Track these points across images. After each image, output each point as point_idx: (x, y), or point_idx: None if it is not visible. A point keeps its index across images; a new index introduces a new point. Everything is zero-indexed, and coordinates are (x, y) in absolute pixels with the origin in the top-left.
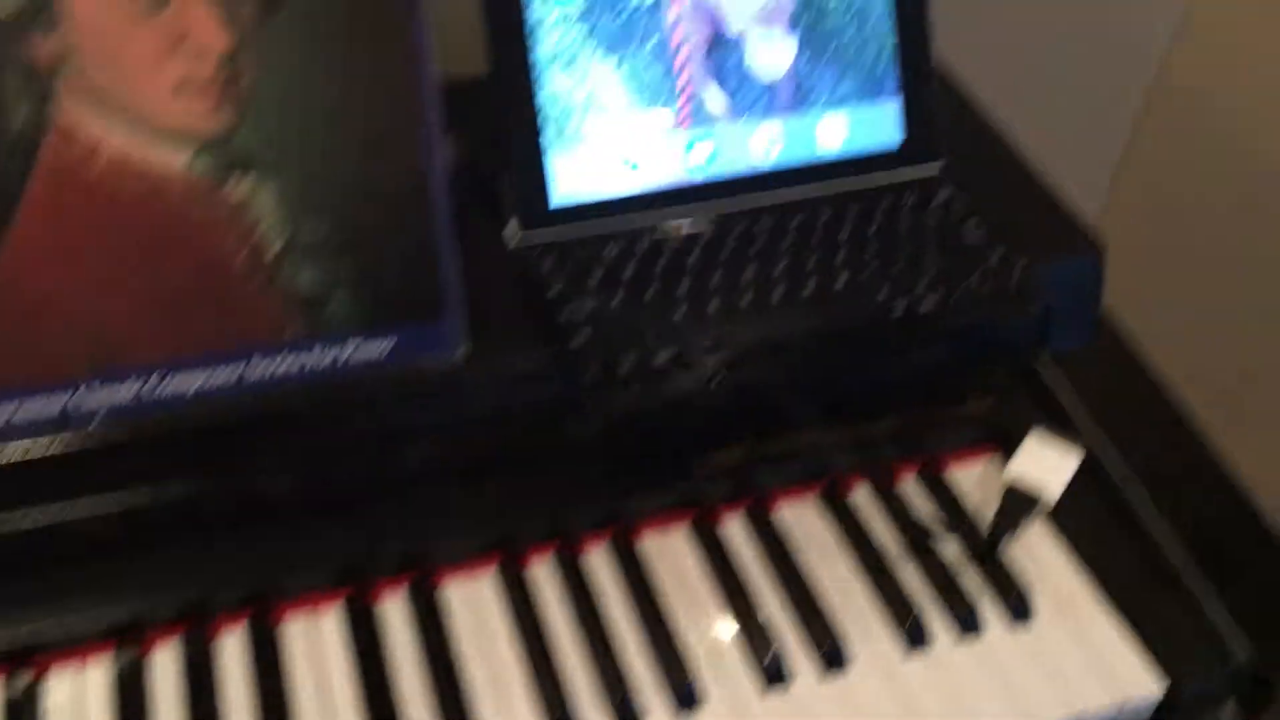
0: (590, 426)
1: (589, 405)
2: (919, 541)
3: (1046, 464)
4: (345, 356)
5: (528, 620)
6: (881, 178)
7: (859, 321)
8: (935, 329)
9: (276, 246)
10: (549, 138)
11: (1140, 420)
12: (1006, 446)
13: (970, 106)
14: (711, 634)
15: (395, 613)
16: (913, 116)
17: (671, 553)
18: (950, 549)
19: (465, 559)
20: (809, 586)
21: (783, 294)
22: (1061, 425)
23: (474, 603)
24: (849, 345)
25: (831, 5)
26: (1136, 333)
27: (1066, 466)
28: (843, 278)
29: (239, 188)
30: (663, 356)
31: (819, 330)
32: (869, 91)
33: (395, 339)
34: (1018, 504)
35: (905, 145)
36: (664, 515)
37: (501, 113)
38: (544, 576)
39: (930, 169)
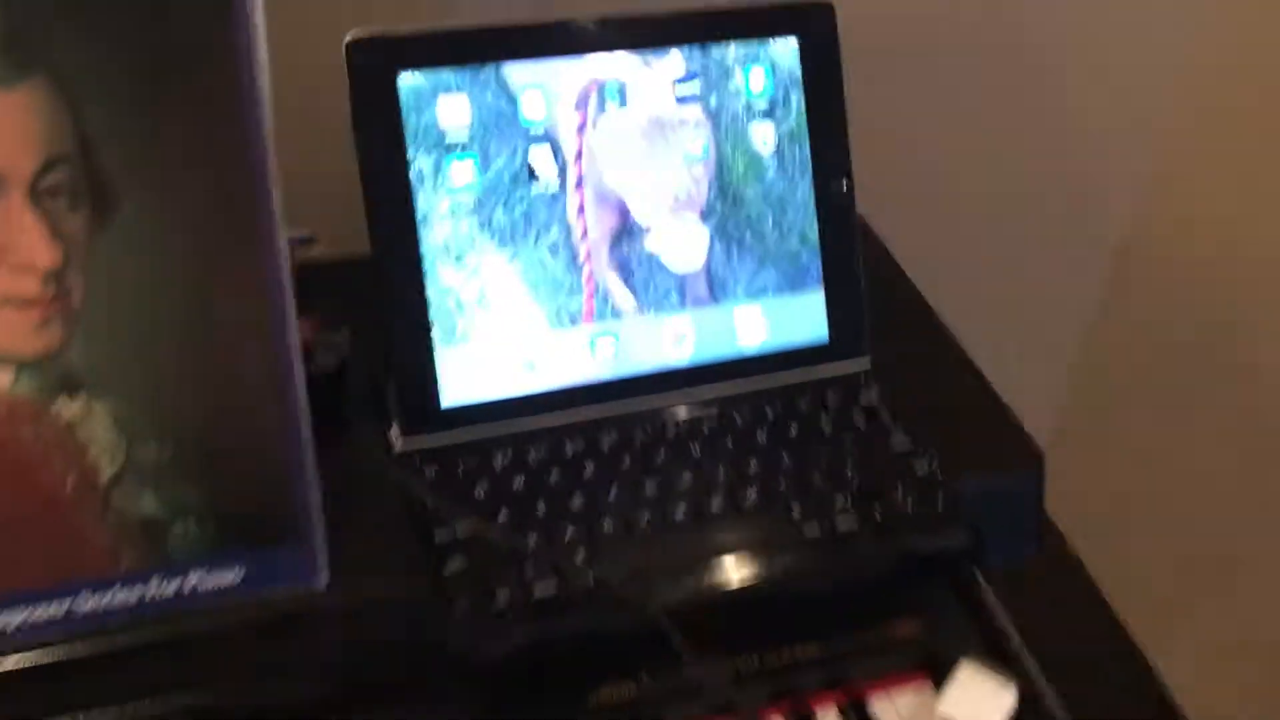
0: (461, 665)
1: (458, 642)
2: None
3: (979, 701)
4: (190, 587)
5: None
6: (803, 374)
7: (769, 543)
8: (854, 550)
9: (110, 471)
10: (437, 335)
11: (1084, 646)
12: (937, 674)
13: (908, 294)
14: None
15: None
16: (838, 309)
17: None
18: None
19: None
20: None
21: (686, 511)
22: (998, 651)
23: None
24: (758, 568)
25: (749, 193)
26: (1087, 537)
27: (1001, 706)
28: (752, 492)
29: (68, 409)
30: (543, 589)
31: (724, 552)
32: (790, 283)
33: (245, 567)
34: None
35: (830, 340)
36: None
37: (385, 308)
38: None
39: (857, 365)
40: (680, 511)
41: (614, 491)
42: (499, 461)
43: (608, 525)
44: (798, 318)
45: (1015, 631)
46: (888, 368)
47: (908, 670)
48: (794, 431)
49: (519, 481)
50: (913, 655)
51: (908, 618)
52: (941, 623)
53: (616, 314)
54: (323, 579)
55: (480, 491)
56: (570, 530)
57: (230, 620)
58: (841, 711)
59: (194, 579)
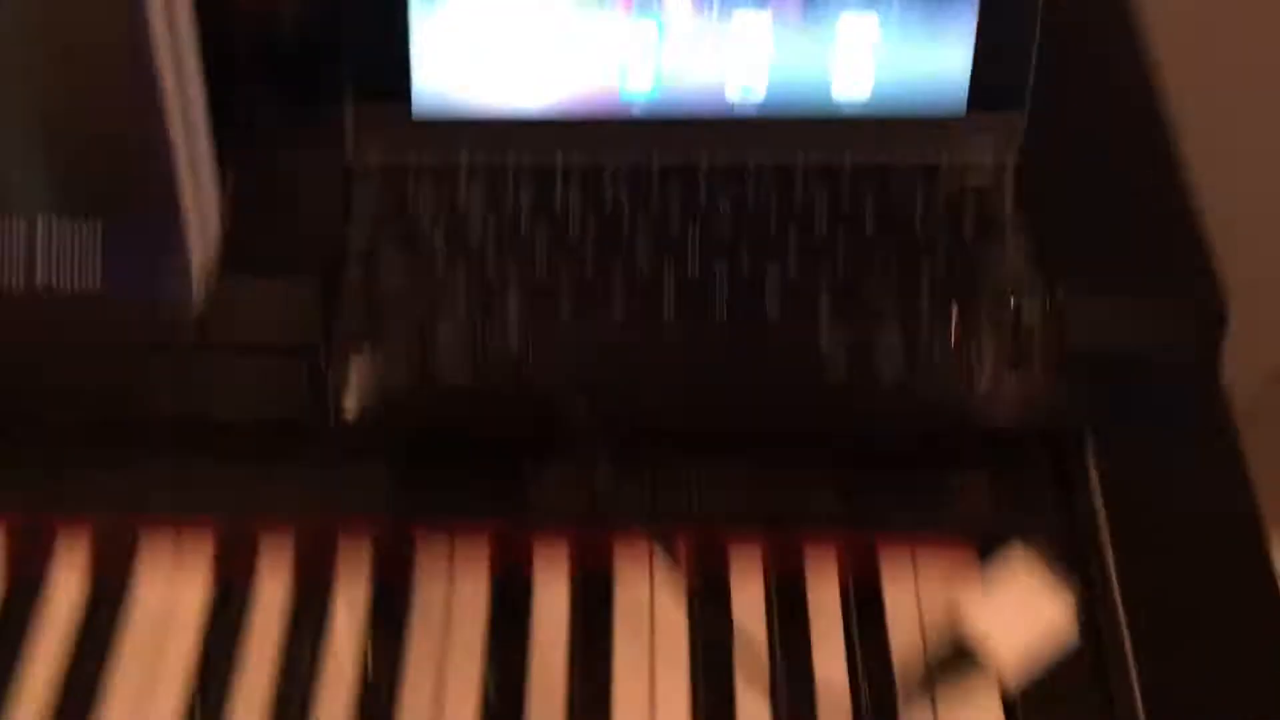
0: (341, 432)
1: (338, 404)
2: None
3: (1014, 609)
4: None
5: None
6: (920, 144)
7: (773, 375)
8: (934, 381)
9: None
10: (413, 16)
11: (1204, 570)
12: (987, 554)
13: (1125, 55)
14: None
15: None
16: (989, 59)
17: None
18: None
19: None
20: None
21: (675, 309)
22: (1074, 552)
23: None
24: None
25: None
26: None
27: (1041, 622)
28: (775, 303)
29: None
30: (452, 339)
31: (708, 372)
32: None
33: (104, 259)
34: (952, 656)
35: (970, 102)
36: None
37: None
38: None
39: (1000, 146)
40: (669, 310)
41: (590, 254)
42: (465, 192)
43: (566, 307)
44: (922, 62)
45: (1110, 532)
46: (1043, 155)
47: (949, 536)
48: (888, 219)
49: (485, 220)
50: (964, 521)
51: (972, 470)
52: (1019, 491)
53: (660, 7)
54: (194, 293)
55: (429, 227)
56: (517, 289)
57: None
58: (841, 562)
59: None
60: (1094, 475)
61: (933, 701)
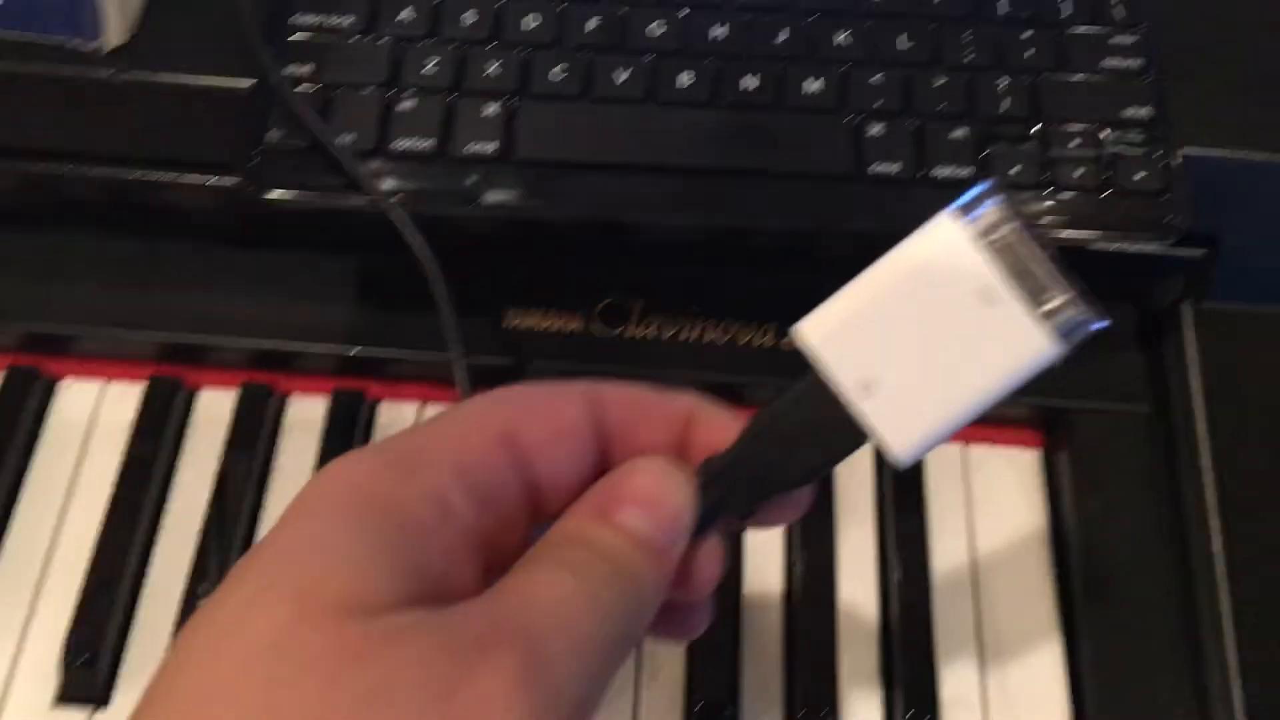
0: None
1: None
2: None
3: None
4: None
5: None
6: None
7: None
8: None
9: None
10: None
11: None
12: (1052, 441)
13: None
14: None
15: None
16: None
17: None
18: None
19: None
20: None
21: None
22: (1160, 432)
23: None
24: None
25: None
26: None
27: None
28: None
29: None
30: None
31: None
32: None
33: None
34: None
35: None
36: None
37: None
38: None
39: None
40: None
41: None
42: None
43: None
44: None
45: (1204, 415)
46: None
47: (1012, 422)
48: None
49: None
50: (1030, 404)
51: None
52: (1101, 364)
53: None
54: (101, 35)
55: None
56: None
57: None
58: None
59: None
60: (1192, 350)
61: None
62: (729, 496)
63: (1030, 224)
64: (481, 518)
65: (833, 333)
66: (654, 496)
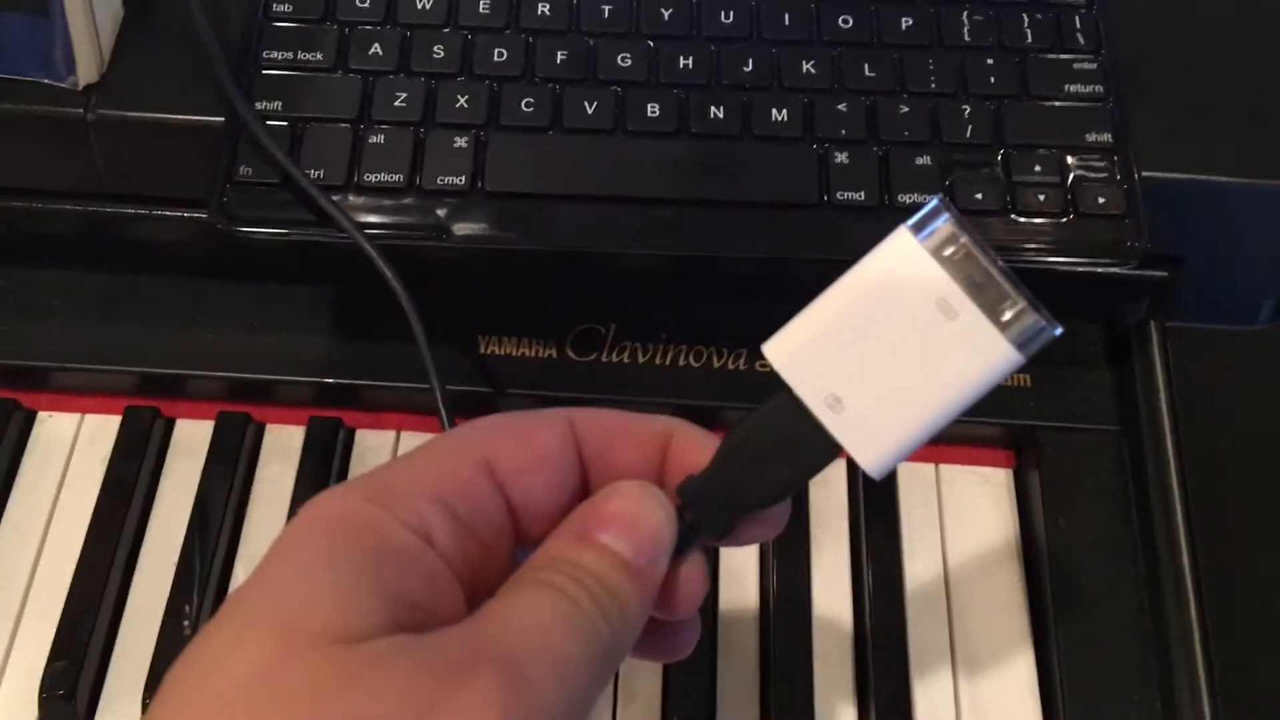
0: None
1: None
2: None
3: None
4: None
5: None
6: None
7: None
8: None
9: None
10: None
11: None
12: (1023, 461)
13: None
14: None
15: None
16: None
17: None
18: None
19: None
20: None
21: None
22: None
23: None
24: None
25: None
26: None
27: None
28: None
29: None
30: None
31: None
32: None
33: None
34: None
35: None
36: None
37: None
38: None
39: None
40: (646, 115)
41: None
42: None
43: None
44: None
45: (1171, 433)
46: None
47: (983, 442)
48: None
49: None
50: (1001, 424)
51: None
52: (1070, 384)
53: None
54: (73, 74)
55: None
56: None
57: None
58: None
59: None
60: (1159, 369)
61: None
62: (706, 516)
63: (978, 238)
64: (464, 545)
65: (797, 350)
66: (632, 518)
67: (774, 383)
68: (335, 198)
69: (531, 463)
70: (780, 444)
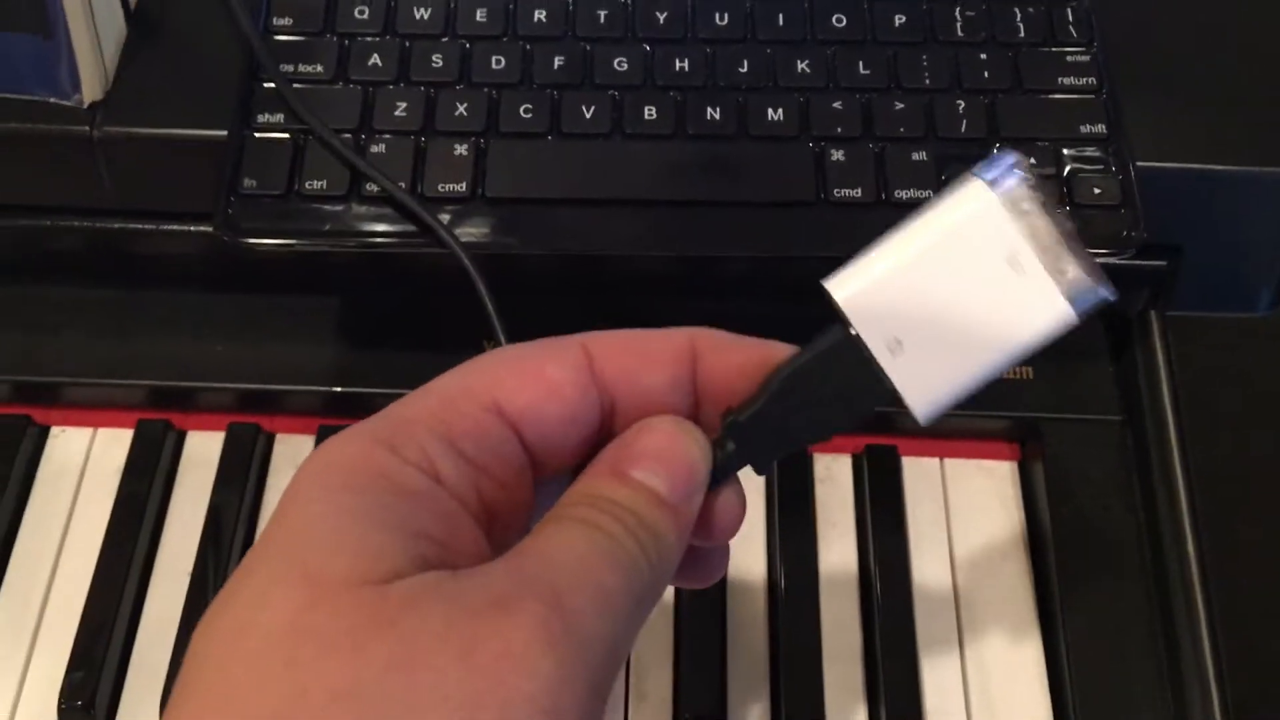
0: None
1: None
2: None
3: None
4: None
5: None
6: None
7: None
8: None
9: None
10: None
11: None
12: (1028, 454)
13: None
14: None
15: None
16: None
17: None
18: None
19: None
20: None
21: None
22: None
23: None
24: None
25: None
26: None
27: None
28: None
29: None
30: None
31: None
32: None
33: None
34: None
35: None
36: None
37: None
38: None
39: None
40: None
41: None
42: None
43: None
44: None
45: (1174, 422)
46: None
47: (988, 435)
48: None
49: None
50: (1005, 417)
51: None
52: (1072, 375)
53: None
54: (78, 92)
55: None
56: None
57: None
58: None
59: None
60: (1160, 358)
61: None
62: (751, 450)
63: (1048, 194)
64: (477, 484)
65: (861, 292)
66: (667, 454)
67: (827, 319)
68: (339, 207)
69: (542, 399)
70: (833, 384)
